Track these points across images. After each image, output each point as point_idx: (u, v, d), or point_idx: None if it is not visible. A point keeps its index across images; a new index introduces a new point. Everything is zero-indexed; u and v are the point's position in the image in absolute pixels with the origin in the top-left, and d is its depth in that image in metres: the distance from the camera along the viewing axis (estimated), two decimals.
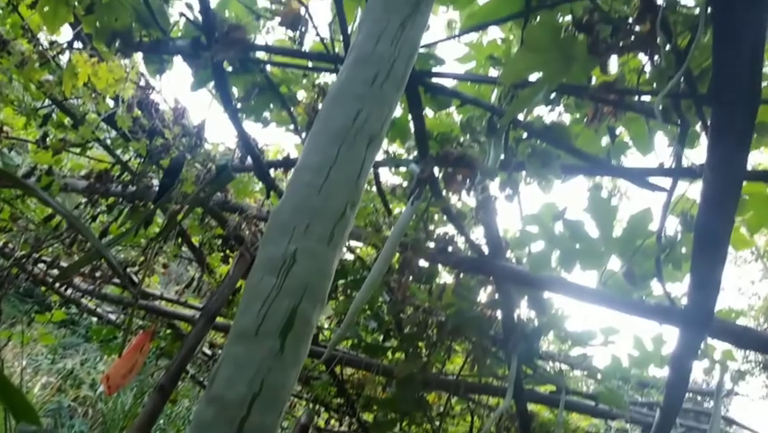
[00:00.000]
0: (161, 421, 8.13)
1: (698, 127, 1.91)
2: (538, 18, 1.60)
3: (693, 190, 2.25)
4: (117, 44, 2.20)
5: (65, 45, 2.37)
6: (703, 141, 2.08)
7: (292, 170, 2.98)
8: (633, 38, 1.49)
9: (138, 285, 4.24)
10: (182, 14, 2.07)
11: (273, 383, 0.67)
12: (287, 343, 0.66)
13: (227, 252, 4.11)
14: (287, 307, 0.68)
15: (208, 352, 5.69)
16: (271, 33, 2.16)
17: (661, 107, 1.75)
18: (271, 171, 2.95)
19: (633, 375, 3.19)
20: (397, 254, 2.98)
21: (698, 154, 2.52)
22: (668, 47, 1.56)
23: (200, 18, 2.05)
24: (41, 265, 4.90)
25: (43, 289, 5.66)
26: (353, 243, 3.51)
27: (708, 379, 3.36)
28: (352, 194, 0.77)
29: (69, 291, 5.33)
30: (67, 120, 3.32)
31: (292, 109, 2.44)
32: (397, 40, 0.89)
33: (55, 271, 5.13)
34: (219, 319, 4.57)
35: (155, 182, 3.53)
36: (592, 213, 2.32)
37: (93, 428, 8.41)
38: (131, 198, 3.71)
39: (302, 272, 0.70)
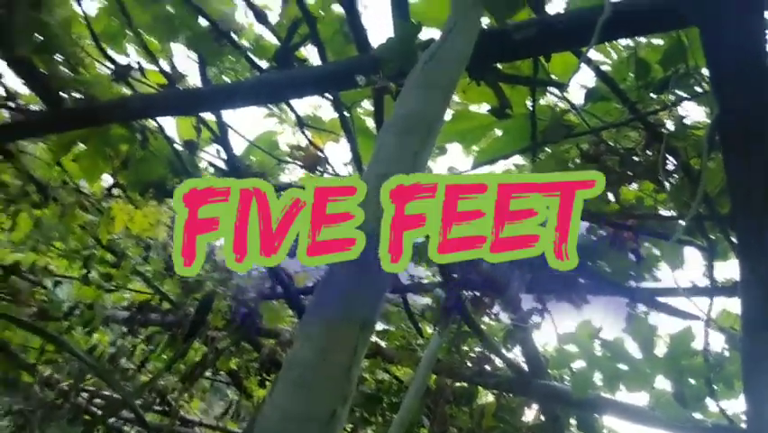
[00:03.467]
0: None
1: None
2: (547, 151, 1.63)
3: (735, 304, 2.15)
4: (151, 191, 2.33)
5: (104, 193, 2.52)
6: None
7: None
8: (642, 167, 1.49)
9: (174, 414, 4.21)
10: (210, 163, 2.19)
11: None
12: None
13: (264, 375, 4.07)
14: None
15: None
16: (293, 173, 2.26)
17: (685, 226, 1.71)
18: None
19: None
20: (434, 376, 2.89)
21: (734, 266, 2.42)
22: (680, 171, 1.55)
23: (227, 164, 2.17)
24: (84, 395, 4.96)
25: (86, 416, 5.68)
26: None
27: None
28: (343, 388, 0.74)
29: (112, 420, 5.34)
30: (109, 256, 3.48)
31: None
32: None
33: (97, 401, 5.18)
34: None
35: (192, 309, 3.60)
36: (632, 334, 2.22)
37: None
38: (169, 327, 3.77)
39: None
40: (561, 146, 1.63)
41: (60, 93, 1.95)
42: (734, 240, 1.71)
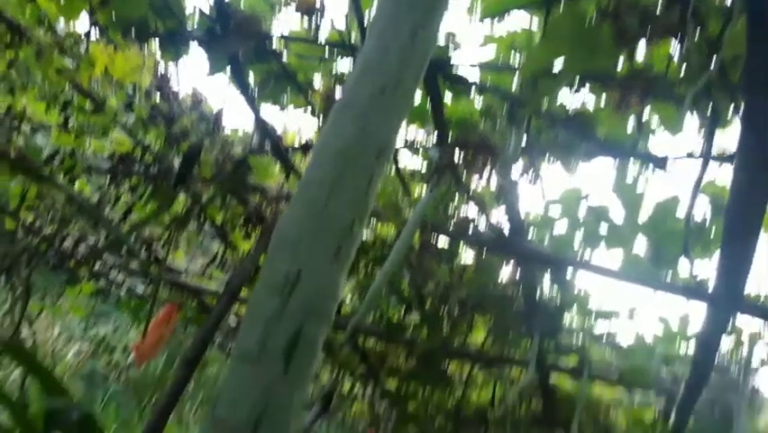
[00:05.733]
0: (191, 387, 8.32)
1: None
2: (561, 7, 1.54)
3: (723, 176, 2.19)
4: (133, 33, 2.18)
5: (81, 35, 2.36)
6: (736, 122, 2.00)
7: (310, 153, 2.97)
8: (661, 26, 1.43)
9: (162, 261, 4.31)
10: (196, 7, 2.04)
11: (278, 406, 0.67)
12: (291, 366, 0.66)
13: (249, 229, 4.14)
14: (290, 329, 0.67)
15: (234, 324, 5.79)
16: (287, 23, 2.12)
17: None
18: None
19: (658, 353, 3.18)
20: (418, 233, 2.97)
21: (729, 137, 2.44)
22: (698, 35, 1.50)
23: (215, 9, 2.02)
24: (69, 241, 5.01)
25: (72, 263, 5.79)
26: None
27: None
28: (359, 209, 0.74)
29: (97, 266, 5.45)
30: (88, 103, 3.33)
31: (309, 94, 2.42)
32: (407, 48, 0.84)
33: (82, 247, 5.25)
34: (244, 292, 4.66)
35: (177, 162, 3.55)
36: (618, 195, 2.27)
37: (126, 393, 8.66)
38: (153, 178, 3.74)
39: (306, 293, 0.68)
40: (578, 2, 1.54)
41: None
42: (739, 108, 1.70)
